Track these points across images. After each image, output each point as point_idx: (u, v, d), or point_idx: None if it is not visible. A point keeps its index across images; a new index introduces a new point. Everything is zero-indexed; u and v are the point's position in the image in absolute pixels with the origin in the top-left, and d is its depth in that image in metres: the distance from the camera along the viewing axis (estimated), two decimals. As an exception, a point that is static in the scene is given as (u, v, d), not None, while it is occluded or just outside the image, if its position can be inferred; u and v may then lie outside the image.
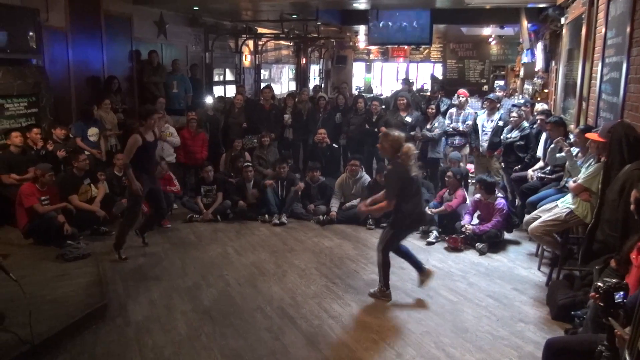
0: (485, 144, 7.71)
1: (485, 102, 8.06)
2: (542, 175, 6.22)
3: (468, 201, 6.81)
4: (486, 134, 7.71)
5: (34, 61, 7.47)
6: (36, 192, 6.09)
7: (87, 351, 3.99)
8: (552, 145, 5.74)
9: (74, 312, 4.29)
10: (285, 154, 8.56)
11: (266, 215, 7.41)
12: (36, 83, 7.35)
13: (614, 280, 2.51)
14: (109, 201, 6.95)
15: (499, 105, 8.23)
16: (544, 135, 6.62)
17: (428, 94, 13.25)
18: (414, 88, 14.65)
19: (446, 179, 6.92)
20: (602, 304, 2.48)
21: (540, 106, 8.17)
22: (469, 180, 8.77)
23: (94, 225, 6.61)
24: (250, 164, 8.03)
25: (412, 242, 6.52)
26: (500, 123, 7.56)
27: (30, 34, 7.15)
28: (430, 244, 6.48)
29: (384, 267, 4.88)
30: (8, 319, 3.93)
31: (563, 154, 5.53)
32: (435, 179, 7.94)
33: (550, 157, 5.80)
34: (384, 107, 9.47)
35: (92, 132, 7.76)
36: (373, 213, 4.84)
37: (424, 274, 5.07)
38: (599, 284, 2.51)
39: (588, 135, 4.87)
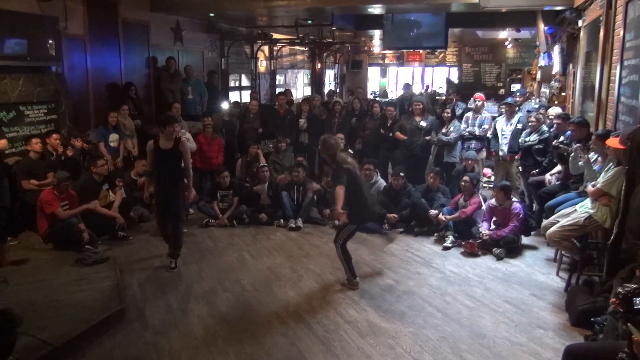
0: (505, 148, 7.66)
1: (504, 107, 8.00)
2: (557, 144, 6.11)
3: (484, 206, 6.75)
4: (505, 137, 7.67)
5: (54, 68, 7.61)
6: (56, 198, 6.18)
7: (105, 355, 4.03)
8: (572, 154, 5.66)
9: (93, 316, 4.33)
10: (299, 159, 8.56)
11: (281, 220, 7.42)
12: (55, 90, 7.48)
13: (634, 286, 2.47)
14: (127, 206, 7.02)
15: (517, 108, 8.17)
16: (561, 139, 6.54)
17: (443, 97, 13.19)
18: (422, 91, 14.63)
19: (462, 183, 6.86)
20: (621, 310, 2.44)
21: (552, 110, 8.09)
22: (484, 185, 8.72)
23: (112, 230, 6.68)
24: (266, 165, 8.07)
25: (429, 247, 6.52)
26: (519, 126, 7.51)
27: (50, 42, 7.28)
28: (446, 248, 6.43)
29: (341, 258, 5.32)
30: (27, 322, 3.97)
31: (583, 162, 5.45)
32: (451, 183, 7.89)
33: (573, 167, 5.70)
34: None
35: (113, 139, 7.89)
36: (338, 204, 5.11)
37: (352, 282, 5.33)
38: (619, 289, 2.48)
39: (608, 142, 4.78)
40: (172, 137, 5.65)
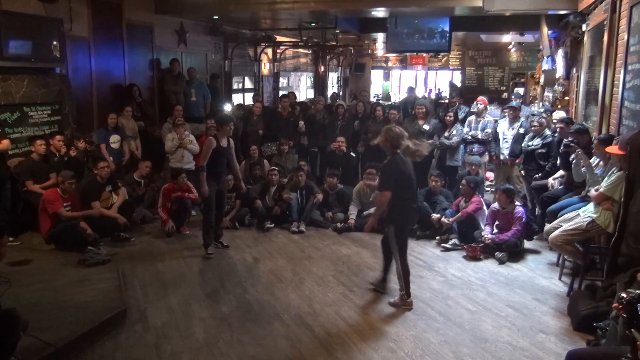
0: (506, 152, 7.65)
1: (508, 111, 7.99)
2: (569, 142, 5.93)
3: (485, 208, 6.74)
4: (507, 141, 7.66)
5: (58, 70, 7.64)
6: (60, 198, 6.19)
7: (106, 356, 4.03)
8: (575, 161, 5.66)
9: (94, 317, 4.33)
10: (300, 163, 8.54)
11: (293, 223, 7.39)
12: (59, 91, 7.51)
13: (638, 292, 2.46)
14: (129, 207, 7.03)
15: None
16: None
17: (446, 101, 13.21)
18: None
19: (460, 187, 6.88)
20: (624, 315, 2.43)
21: (557, 114, 8.08)
22: (487, 189, 8.69)
23: (115, 232, 6.69)
24: (276, 168, 8.08)
25: (431, 250, 6.51)
26: (522, 130, 7.50)
27: (54, 43, 7.31)
28: (445, 249, 6.44)
29: (399, 272, 4.85)
30: (30, 323, 3.98)
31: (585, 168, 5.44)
32: (455, 187, 7.88)
33: (576, 173, 5.69)
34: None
35: (114, 140, 7.89)
36: (380, 214, 4.96)
37: (381, 285, 5.19)
38: (623, 294, 2.47)
39: (608, 149, 4.79)
40: (227, 136, 6.26)
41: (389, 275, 5.20)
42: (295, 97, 10.70)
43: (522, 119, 7.90)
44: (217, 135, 6.20)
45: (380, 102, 13.45)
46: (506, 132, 7.73)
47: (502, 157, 7.74)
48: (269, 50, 14.57)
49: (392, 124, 5.29)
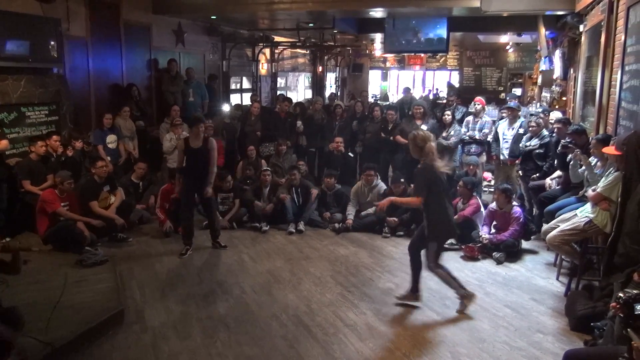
0: (506, 152, 7.67)
1: (507, 111, 8.00)
2: (566, 143, 5.88)
3: (482, 210, 6.75)
4: (507, 141, 7.67)
5: (55, 70, 7.62)
6: (57, 198, 6.18)
7: (104, 357, 4.03)
8: (572, 162, 5.67)
9: (92, 318, 4.33)
10: (299, 163, 8.54)
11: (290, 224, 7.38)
12: (57, 91, 7.49)
13: (635, 292, 2.47)
14: (127, 208, 7.02)
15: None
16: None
17: (444, 101, 13.23)
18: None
19: (458, 188, 6.88)
20: (621, 315, 2.44)
21: (553, 114, 8.09)
22: (484, 189, 8.70)
23: (112, 232, 6.67)
24: (268, 169, 8.07)
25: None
26: (521, 131, 7.52)
27: (52, 43, 7.29)
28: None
29: (445, 278, 4.78)
30: (27, 323, 3.97)
31: (584, 167, 5.44)
32: (452, 187, 7.87)
33: (573, 174, 5.70)
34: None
35: (111, 140, 7.89)
36: (401, 204, 4.97)
37: (414, 295, 4.97)
38: (620, 294, 2.47)
39: (604, 150, 4.80)
40: (200, 137, 6.17)
41: (420, 283, 4.99)
42: (291, 102, 10.71)
43: (522, 119, 7.91)
44: (187, 138, 6.27)
45: (378, 102, 13.45)
46: (506, 132, 7.74)
47: (502, 157, 7.76)
48: (267, 51, 14.56)
49: (417, 130, 5.08)
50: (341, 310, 4.83)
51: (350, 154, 8.91)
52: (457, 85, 18.08)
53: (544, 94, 12.07)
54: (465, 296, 4.78)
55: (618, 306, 2.46)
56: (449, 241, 6.47)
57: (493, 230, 6.45)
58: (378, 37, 14.76)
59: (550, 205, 5.92)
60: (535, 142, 7.13)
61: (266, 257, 6.30)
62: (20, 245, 3.94)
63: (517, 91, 16.24)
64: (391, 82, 21.41)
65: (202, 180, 6.23)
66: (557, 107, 9.94)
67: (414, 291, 4.99)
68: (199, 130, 6.15)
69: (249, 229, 7.40)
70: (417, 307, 4.88)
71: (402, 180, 7.34)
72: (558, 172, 6.50)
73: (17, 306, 3.75)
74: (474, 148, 8.23)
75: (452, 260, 6.16)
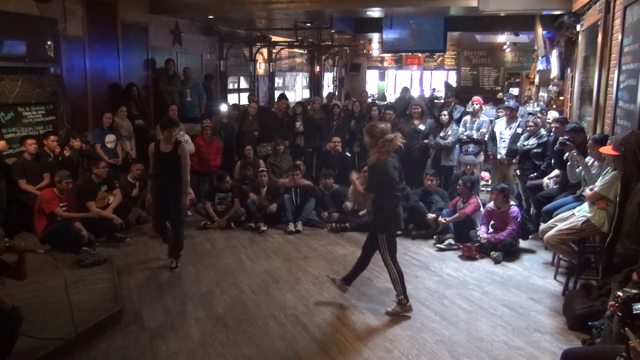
0: (503, 151, 7.68)
1: (505, 110, 8.01)
2: (564, 140, 5.85)
3: (482, 209, 6.76)
4: (504, 141, 7.69)
5: (52, 70, 7.60)
6: (56, 198, 6.16)
7: (101, 357, 4.02)
8: (569, 162, 5.68)
9: (90, 318, 4.32)
10: (297, 163, 8.54)
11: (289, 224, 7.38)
12: (54, 91, 7.47)
13: (634, 291, 2.47)
14: (124, 208, 7.00)
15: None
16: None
17: (441, 101, 13.23)
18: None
19: (457, 187, 6.89)
20: (620, 314, 2.44)
21: (551, 114, 8.10)
22: (482, 188, 8.71)
23: (110, 232, 6.66)
24: (265, 169, 8.06)
25: (427, 250, 6.51)
26: (519, 130, 7.53)
27: (49, 43, 7.28)
28: (440, 249, 6.45)
29: (395, 278, 4.76)
30: (25, 323, 3.96)
31: (581, 168, 5.45)
32: (450, 187, 7.89)
33: (570, 174, 5.71)
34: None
35: (110, 139, 7.87)
36: (356, 189, 4.99)
37: (344, 285, 5.02)
38: (619, 293, 2.48)
39: (602, 149, 4.80)
40: (172, 141, 5.69)
41: (355, 279, 5.07)
42: (287, 100, 10.68)
43: (520, 118, 7.93)
44: (158, 141, 5.81)
45: (376, 102, 13.45)
46: (504, 131, 7.76)
47: (499, 156, 7.77)
48: (265, 50, 14.54)
49: (378, 122, 5.07)
50: (339, 310, 4.83)
51: (347, 153, 8.90)
52: (454, 85, 18.09)
53: (541, 93, 12.08)
54: (404, 304, 4.73)
55: (617, 305, 2.46)
56: (447, 241, 6.53)
57: (491, 230, 6.46)
58: (375, 36, 14.76)
59: (547, 205, 5.93)
60: (532, 141, 7.14)
61: (264, 257, 6.29)
62: (26, 247, 3.82)
63: (515, 91, 16.23)
64: (389, 82, 21.40)
65: (174, 187, 5.69)
66: (554, 106, 9.95)
67: (346, 282, 5.02)
68: (171, 134, 5.65)
69: (247, 229, 7.39)
70: (414, 306, 4.85)
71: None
72: (555, 172, 6.51)
73: (20, 307, 3.72)
74: (471, 147, 8.24)
75: (450, 260, 6.18)
